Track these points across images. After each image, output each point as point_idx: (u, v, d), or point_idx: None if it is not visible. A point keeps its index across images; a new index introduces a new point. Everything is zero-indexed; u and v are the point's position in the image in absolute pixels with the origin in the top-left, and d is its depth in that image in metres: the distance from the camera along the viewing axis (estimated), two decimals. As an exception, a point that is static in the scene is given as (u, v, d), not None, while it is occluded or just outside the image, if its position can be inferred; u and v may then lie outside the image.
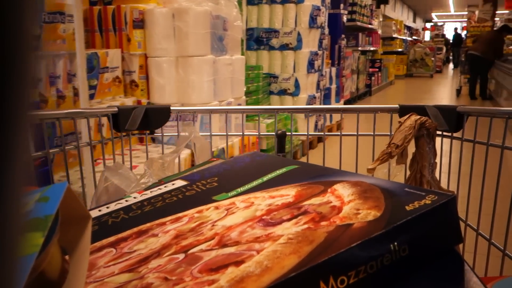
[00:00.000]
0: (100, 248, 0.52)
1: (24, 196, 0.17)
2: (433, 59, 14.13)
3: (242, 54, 3.43)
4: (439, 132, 0.84)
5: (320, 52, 4.39)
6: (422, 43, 16.99)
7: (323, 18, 4.37)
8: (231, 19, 2.88)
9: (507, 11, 15.32)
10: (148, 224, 0.55)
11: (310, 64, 4.17)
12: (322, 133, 0.93)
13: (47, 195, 0.40)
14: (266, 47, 4.21)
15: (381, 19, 11.38)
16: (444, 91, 10.26)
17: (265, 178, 0.63)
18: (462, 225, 0.74)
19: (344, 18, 6.14)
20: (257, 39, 4.21)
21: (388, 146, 0.71)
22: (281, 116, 3.48)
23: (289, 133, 0.93)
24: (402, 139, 0.71)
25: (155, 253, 0.48)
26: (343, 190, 0.55)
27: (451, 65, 20.50)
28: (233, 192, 0.60)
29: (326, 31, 4.64)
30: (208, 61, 2.60)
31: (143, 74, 2.58)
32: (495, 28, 10.30)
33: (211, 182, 0.66)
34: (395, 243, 0.44)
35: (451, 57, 20.97)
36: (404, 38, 15.82)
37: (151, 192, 0.67)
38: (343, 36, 6.06)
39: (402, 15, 18.72)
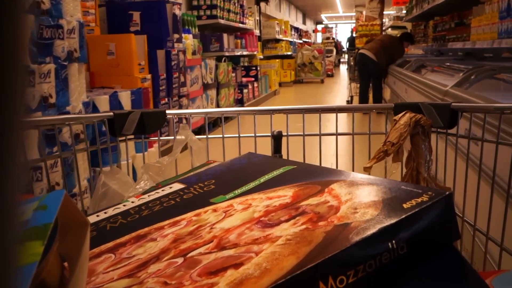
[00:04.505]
0: (99, 254, 0.52)
1: (21, 204, 0.17)
2: (322, 62, 12.41)
3: None
4: (434, 129, 0.84)
5: (72, 66, 2.13)
6: (311, 45, 14.95)
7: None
8: None
9: (393, 11, 14.34)
10: (146, 229, 0.55)
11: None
12: (318, 133, 0.93)
13: (45, 203, 0.40)
14: None
15: (257, 18, 9.77)
16: (338, 101, 8.26)
17: (262, 180, 0.63)
18: (459, 221, 0.75)
19: (177, 11, 4.18)
20: None
21: (384, 144, 0.71)
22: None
23: (285, 134, 0.93)
24: (398, 137, 0.71)
25: (154, 258, 0.48)
26: (340, 190, 0.55)
27: (342, 67, 19.60)
28: (231, 194, 0.60)
29: (93, 24, 2.45)
30: None
31: None
32: (395, 34, 8.15)
33: (208, 185, 0.66)
34: (393, 241, 0.45)
35: (342, 60, 20.39)
36: (292, 40, 14.14)
37: (148, 196, 0.67)
38: (176, 36, 4.12)
39: (290, 16, 17.28)
